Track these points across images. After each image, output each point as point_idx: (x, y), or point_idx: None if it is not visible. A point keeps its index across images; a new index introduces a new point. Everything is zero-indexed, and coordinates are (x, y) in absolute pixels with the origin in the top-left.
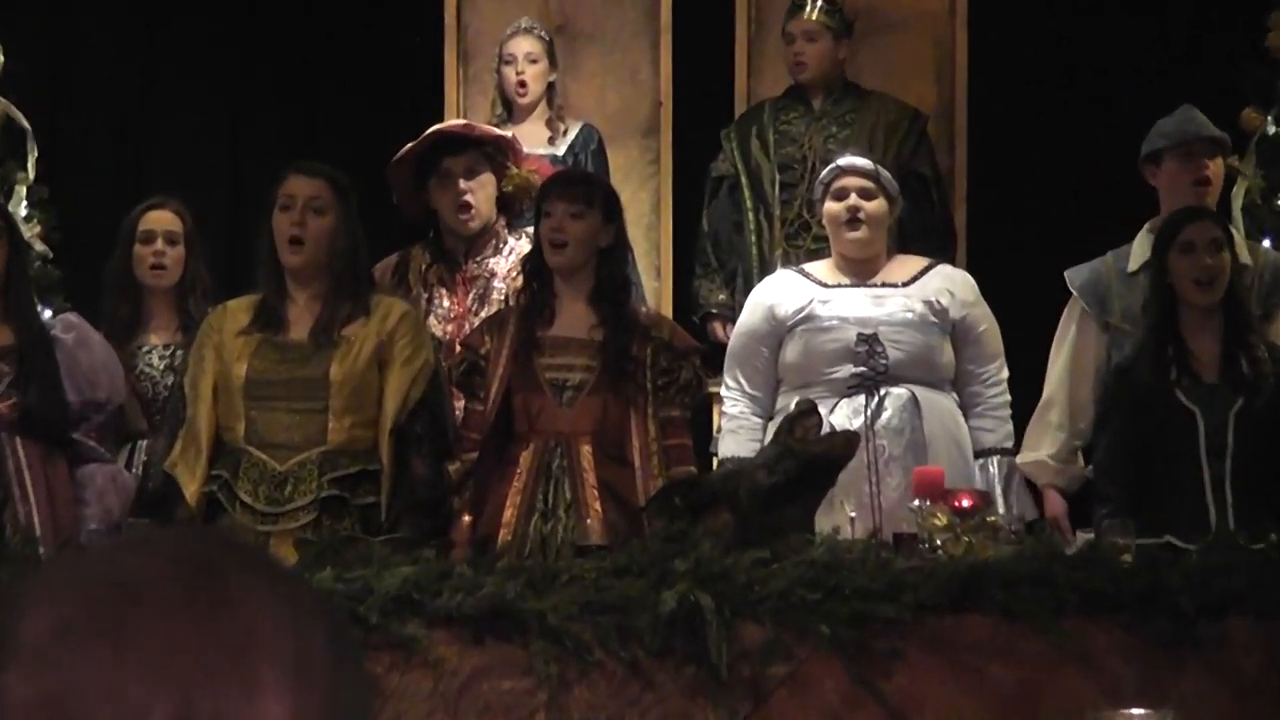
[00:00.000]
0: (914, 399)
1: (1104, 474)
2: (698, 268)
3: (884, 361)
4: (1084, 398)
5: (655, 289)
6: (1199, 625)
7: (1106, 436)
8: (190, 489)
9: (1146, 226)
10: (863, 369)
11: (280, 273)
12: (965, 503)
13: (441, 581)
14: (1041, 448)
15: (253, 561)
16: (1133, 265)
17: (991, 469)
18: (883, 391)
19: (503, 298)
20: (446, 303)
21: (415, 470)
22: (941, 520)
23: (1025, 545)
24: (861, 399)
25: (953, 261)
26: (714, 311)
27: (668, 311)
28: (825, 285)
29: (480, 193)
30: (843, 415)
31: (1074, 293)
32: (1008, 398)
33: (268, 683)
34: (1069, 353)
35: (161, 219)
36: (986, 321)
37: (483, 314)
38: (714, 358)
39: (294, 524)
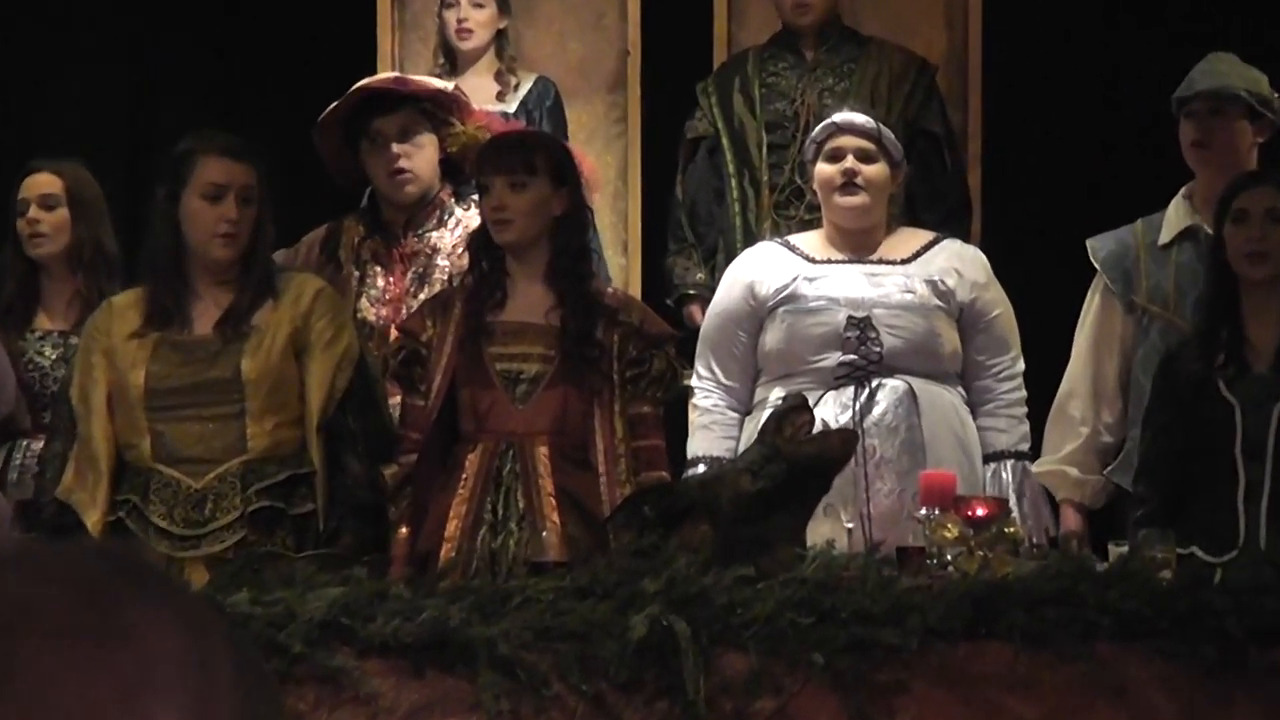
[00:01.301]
0: (911, 393)
1: (1143, 475)
2: (672, 243)
3: (877, 349)
4: (1108, 388)
5: (622, 267)
6: (1249, 652)
7: (1149, 432)
8: (92, 518)
9: (1182, 192)
10: (852, 357)
11: (181, 262)
12: (980, 512)
13: (375, 604)
14: (1061, 450)
15: (154, 586)
16: (1165, 237)
17: (1004, 475)
18: (875, 383)
19: (446, 277)
20: (381, 282)
21: (351, 470)
22: (952, 532)
23: (1050, 561)
24: (850, 391)
25: (967, 234)
26: (691, 293)
27: (637, 293)
28: (813, 260)
29: (417, 156)
30: (828, 409)
31: (1097, 265)
32: (1023, 394)
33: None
34: (1090, 334)
35: (36, 183)
36: (1000, 306)
37: (423, 295)
38: (691, 346)
39: (219, 546)
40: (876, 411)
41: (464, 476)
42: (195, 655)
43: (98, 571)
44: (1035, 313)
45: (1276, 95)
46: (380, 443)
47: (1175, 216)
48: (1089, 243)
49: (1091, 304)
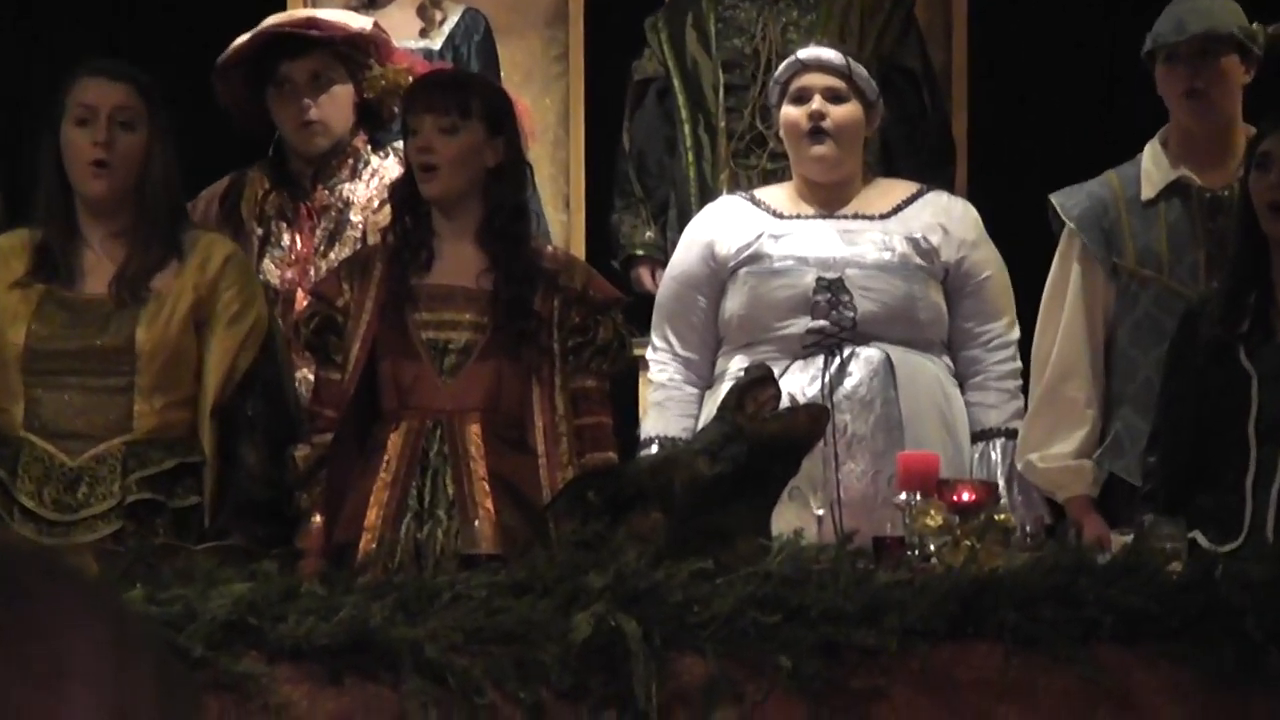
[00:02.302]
0: (887, 363)
1: (1153, 454)
2: (618, 198)
3: (850, 314)
4: (1101, 365)
5: (563, 224)
6: (1270, 656)
7: (1162, 401)
8: None
9: (1157, 139)
10: (822, 323)
11: (69, 205)
12: (966, 497)
13: (286, 603)
14: (1058, 441)
15: (64, 578)
16: (1147, 192)
17: (994, 455)
18: (847, 352)
19: (360, 234)
20: (287, 240)
21: (246, 462)
22: (936, 520)
23: (1045, 553)
24: (820, 361)
25: (950, 184)
26: (639, 254)
27: (580, 253)
28: (780, 216)
29: (330, 105)
30: (795, 381)
31: (1069, 224)
32: (1017, 366)
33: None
34: (1078, 304)
35: None
36: (991, 267)
37: (333, 255)
38: (640, 312)
39: (90, 535)
40: (849, 384)
41: (386, 459)
42: (112, 651)
43: (8, 567)
44: (1028, 275)
45: (1258, 26)
46: (282, 433)
47: (1155, 169)
48: (1055, 199)
49: (1068, 269)
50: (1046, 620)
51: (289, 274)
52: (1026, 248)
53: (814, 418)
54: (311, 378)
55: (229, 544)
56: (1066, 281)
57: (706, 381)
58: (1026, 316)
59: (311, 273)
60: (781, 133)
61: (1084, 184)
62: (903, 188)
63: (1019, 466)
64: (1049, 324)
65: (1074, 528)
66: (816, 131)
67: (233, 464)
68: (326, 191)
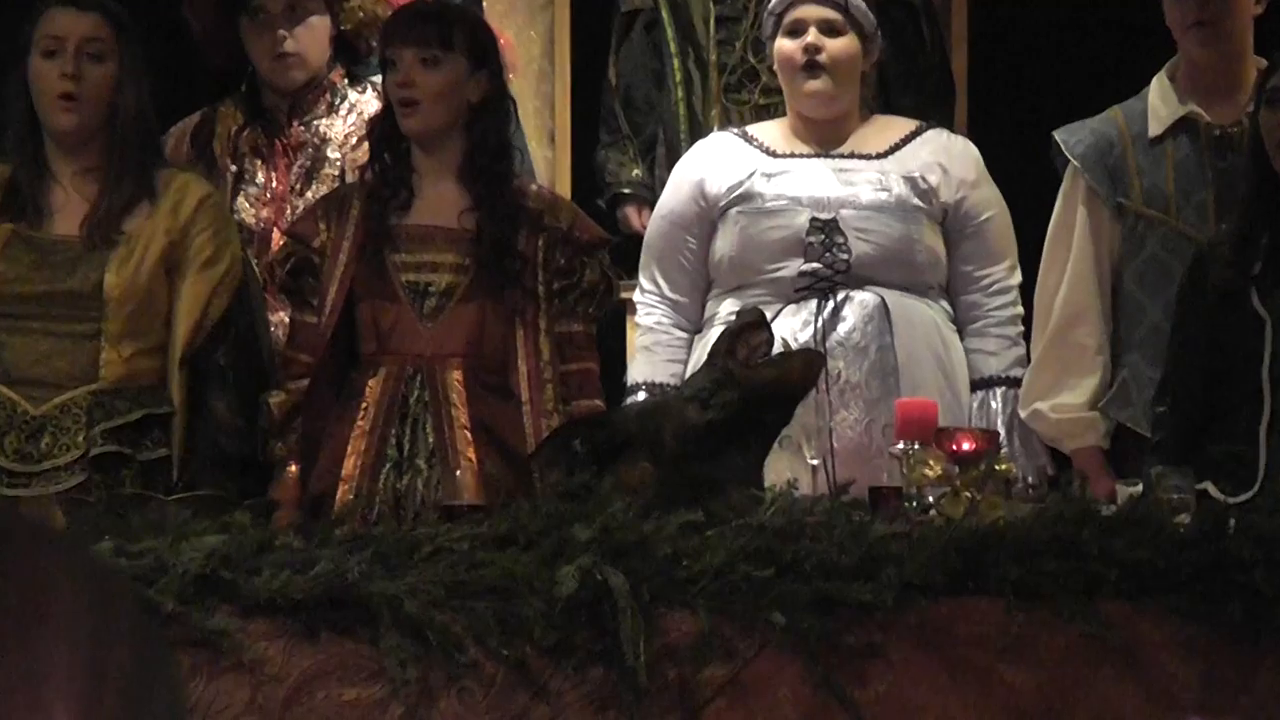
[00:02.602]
0: (883, 307)
1: (1162, 401)
2: (604, 134)
3: (844, 256)
4: (1109, 309)
5: (548, 161)
6: None
7: (1173, 348)
8: None
9: (1164, 73)
10: (815, 265)
11: (38, 140)
12: (966, 446)
13: (260, 556)
14: (1067, 389)
15: (42, 538)
16: (1155, 128)
17: (994, 404)
18: (841, 296)
19: (338, 172)
20: (262, 178)
21: (216, 413)
22: (934, 470)
23: (1048, 504)
24: (813, 305)
25: (950, 122)
26: (626, 192)
27: (565, 191)
28: (774, 154)
29: (306, 37)
30: (786, 325)
31: (1073, 162)
32: (1019, 311)
33: (59, 679)
34: (1085, 246)
35: None
36: (992, 207)
37: (310, 193)
38: (627, 253)
39: (54, 486)
40: (842, 328)
41: (364, 406)
42: (90, 605)
43: None
44: (1031, 218)
45: None
46: (254, 384)
47: (1162, 104)
48: (1058, 135)
49: (1073, 209)
50: (1049, 574)
51: (264, 213)
52: (1029, 188)
53: (808, 363)
54: (287, 321)
55: (202, 494)
56: (1071, 222)
57: (696, 325)
58: (1030, 261)
59: (288, 211)
60: (775, 66)
61: (1088, 120)
62: (901, 125)
63: (1023, 415)
64: (1053, 266)
65: (1080, 479)
66: (812, 66)
67: (202, 415)
68: (302, 128)
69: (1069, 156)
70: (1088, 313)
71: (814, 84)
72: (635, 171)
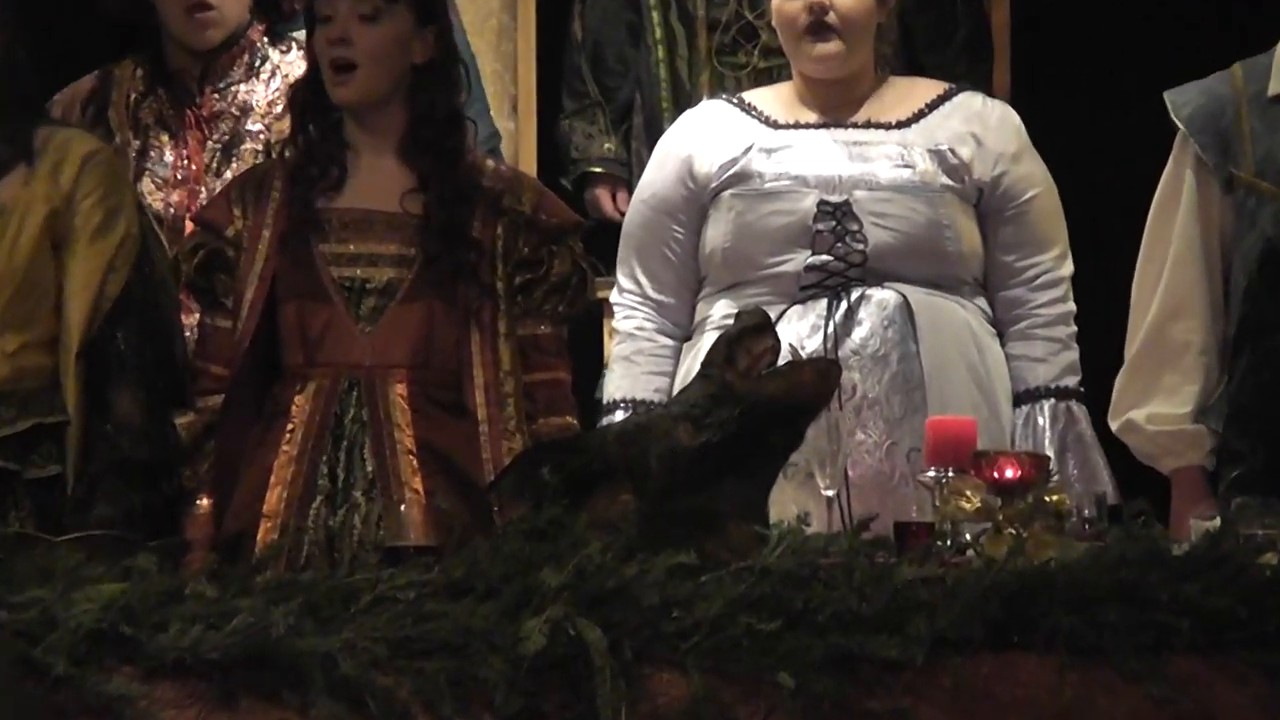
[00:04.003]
0: (905, 306)
1: (1239, 420)
2: (568, 99)
3: (860, 246)
4: (1220, 299)
5: (510, 133)
6: None
7: (1246, 357)
8: None
9: None
10: (826, 258)
11: None
12: (1010, 473)
13: (167, 608)
14: (1165, 396)
15: None
16: (1276, 86)
17: (1040, 420)
18: (856, 294)
19: (262, 147)
20: (170, 156)
21: (119, 411)
22: (972, 502)
23: (1109, 542)
24: (823, 305)
25: (987, 84)
26: (596, 170)
27: (530, 168)
28: (774, 125)
29: None
30: (790, 330)
31: (1180, 126)
32: (1070, 309)
33: None
34: (1190, 223)
35: None
36: (1037, 185)
37: (228, 174)
38: (600, 242)
39: None
40: (858, 334)
41: (289, 427)
42: None
43: None
44: (1085, 204)
45: None
46: (167, 376)
47: None
48: (1168, 96)
49: (1180, 180)
50: (1110, 626)
51: (174, 197)
52: (1084, 165)
53: (822, 375)
54: (196, 325)
55: (97, 534)
56: (1177, 196)
57: (684, 331)
58: (1082, 252)
59: (202, 195)
60: (776, 24)
61: (1203, 80)
62: (926, 88)
63: (1114, 428)
64: (1155, 250)
65: (1180, 505)
66: (818, 27)
67: (101, 414)
68: (217, 95)
69: (1175, 120)
70: (1191, 304)
71: (823, 48)
72: (606, 145)
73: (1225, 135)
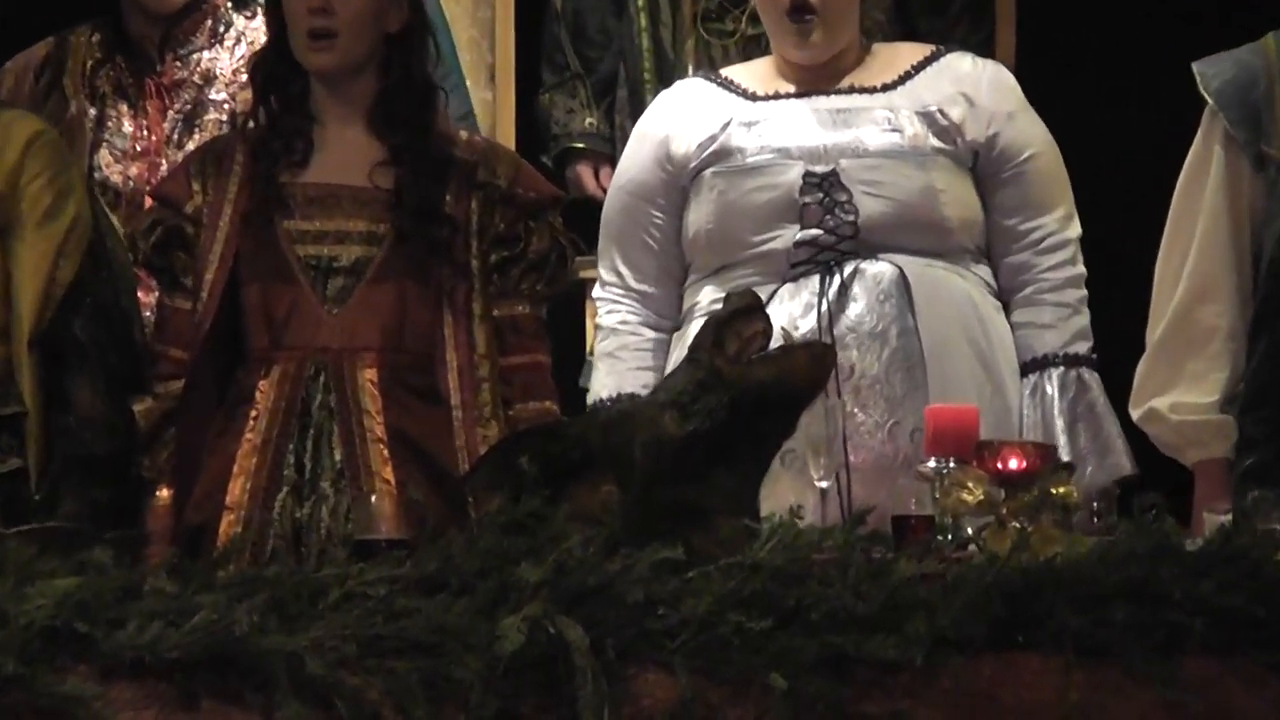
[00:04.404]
0: (902, 279)
1: (1254, 408)
2: (547, 72)
3: (850, 218)
4: (1248, 282)
5: (487, 104)
6: None
7: (1262, 344)
8: None
9: None
10: (815, 232)
11: None
12: (1014, 464)
13: (125, 604)
14: (1190, 383)
15: None
16: None
17: (1049, 390)
18: (849, 268)
19: (226, 118)
20: (129, 127)
21: (79, 403)
22: (975, 494)
23: (1118, 537)
24: (814, 282)
25: (986, 52)
26: (577, 146)
27: (509, 141)
28: (753, 97)
29: None
30: (781, 310)
31: (1209, 100)
32: (1079, 271)
33: None
34: (1221, 204)
35: None
36: (1035, 142)
37: (190, 146)
38: (582, 222)
39: None
40: (853, 310)
41: (253, 415)
42: None
43: None
44: (1099, 170)
45: None
46: (125, 363)
47: None
48: (1197, 68)
49: (1208, 157)
50: (1119, 625)
51: (133, 170)
52: (1094, 137)
53: (816, 359)
54: (155, 307)
55: (50, 526)
56: (1205, 173)
57: (671, 322)
58: (1093, 229)
59: (163, 168)
60: (755, 2)
61: (1235, 50)
62: (911, 51)
63: (1135, 416)
64: (1180, 230)
65: (1204, 500)
66: (799, 10)
67: (60, 407)
68: (179, 63)
69: (1204, 93)
70: (1219, 286)
71: (805, 38)
72: (588, 120)
73: (1256, 110)
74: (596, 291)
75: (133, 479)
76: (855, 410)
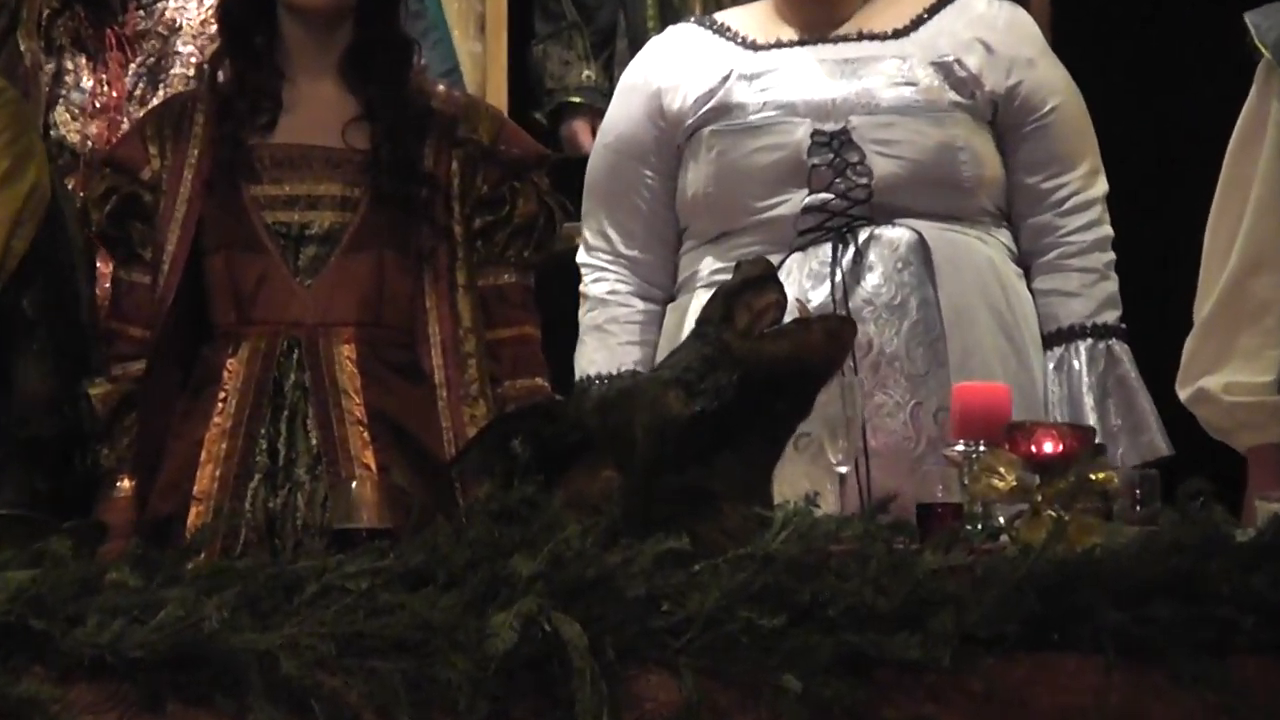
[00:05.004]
0: (921, 245)
1: None
2: (541, 21)
3: (863, 180)
4: None
5: (476, 56)
6: None
7: None
8: None
9: None
10: (825, 196)
11: None
12: (1050, 447)
13: (84, 599)
14: (1243, 361)
15: None
16: None
17: (1076, 364)
18: (864, 235)
19: (193, 73)
20: (89, 81)
21: (25, 383)
22: (1007, 479)
23: (1162, 526)
24: (825, 250)
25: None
26: (575, 100)
27: (500, 99)
28: (754, 47)
29: None
30: (792, 281)
31: (1264, 53)
32: (1107, 231)
33: None
34: (1276, 164)
35: None
36: (1059, 92)
37: (156, 102)
38: (581, 182)
39: None
40: (870, 280)
41: (221, 397)
42: None
43: None
44: (1141, 130)
45: None
46: (77, 345)
47: None
48: (1249, 18)
49: (1264, 115)
50: (1163, 623)
51: (92, 128)
52: (1136, 94)
53: (833, 333)
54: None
55: (3, 514)
56: (1260, 133)
57: (664, 292)
58: (1131, 194)
59: (125, 126)
60: None
61: None
62: None
63: (1183, 397)
64: (1234, 192)
65: (1258, 488)
66: None
67: (4, 386)
68: (142, 12)
69: (1259, 46)
70: (1275, 256)
71: None
72: (585, 72)
73: None
74: (581, 256)
75: (80, 469)
76: (874, 390)
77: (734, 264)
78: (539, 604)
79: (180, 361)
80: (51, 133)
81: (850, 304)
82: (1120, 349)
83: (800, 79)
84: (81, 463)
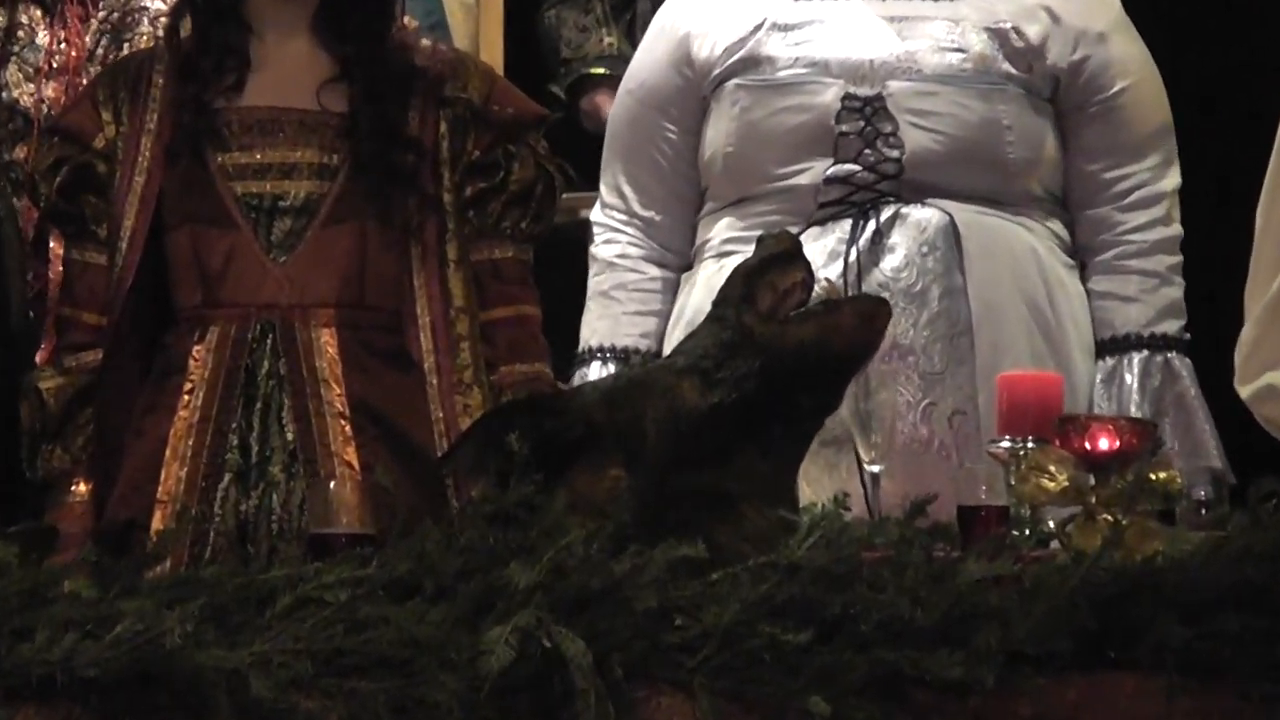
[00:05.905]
0: (951, 228)
1: None
2: None
3: (894, 154)
4: None
5: (469, 8)
6: None
7: None
8: None
9: None
10: (851, 167)
11: None
12: (1105, 444)
13: (32, 611)
14: None
15: None
16: None
17: (1128, 378)
18: (888, 212)
19: (162, 31)
20: (44, 37)
21: None
22: (1058, 480)
23: (1230, 533)
24: (845, 227)
25: None
26: (596, 72)
27: (497, 64)
28: None
29: None
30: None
31: None
32: (1174, 232)
33: None
34: None
35: None
36: (1132, 73)
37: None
38: (591, 150)
39: None
40: (888, 262)
41: (187, 388)
42: None
43: None
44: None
45: None
46: (14, 336)
47: None
48: None
49: None
50: (1231, 639)
51: (48, 90)
52: (1204, 64)
53: (865, 318)
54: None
55: None
56: None
57: (679, 259)
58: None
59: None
60: None
61: None
62: None
63: (1244, 395)
64: None
65: None
66: None
67: None
68: None
69: None
70: None
71: None
72: (606, 39)
73: None
74: (594, 214)
75: (15, 475)
76: (890, 383)
77: (748, 233)
78: (538, 617)
79: (141, 350)
80: (2, 94)
81: (863, 288)
82: (1180, 363)
83: (838, 35)
84: (28, 466)
